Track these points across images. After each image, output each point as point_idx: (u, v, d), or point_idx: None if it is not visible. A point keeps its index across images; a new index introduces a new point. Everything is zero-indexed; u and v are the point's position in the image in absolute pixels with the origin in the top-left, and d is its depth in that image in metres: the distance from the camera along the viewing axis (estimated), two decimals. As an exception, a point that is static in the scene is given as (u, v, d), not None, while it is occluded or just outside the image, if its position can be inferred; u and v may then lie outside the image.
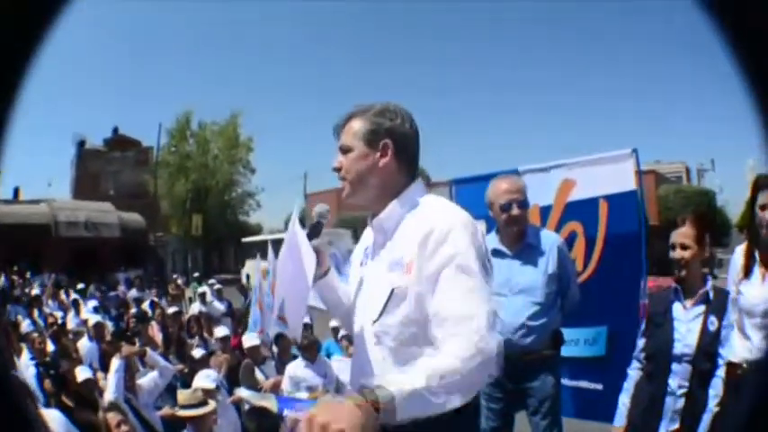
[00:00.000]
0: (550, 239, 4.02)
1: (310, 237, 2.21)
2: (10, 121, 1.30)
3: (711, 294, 3.44)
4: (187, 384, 5.47)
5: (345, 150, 2.06)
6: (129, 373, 5.36)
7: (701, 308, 3.44)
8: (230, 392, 5.72)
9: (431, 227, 1.86)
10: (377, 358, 1.99)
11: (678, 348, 3.43)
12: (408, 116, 2.08)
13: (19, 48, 1.26)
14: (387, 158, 2.01)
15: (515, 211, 3.85)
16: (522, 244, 3.95)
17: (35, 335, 8.11)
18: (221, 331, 7.97)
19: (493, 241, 4.04)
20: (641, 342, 3.74)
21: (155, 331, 9.35)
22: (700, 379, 3.33)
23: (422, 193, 2.05)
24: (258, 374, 6.23)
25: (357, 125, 2.04)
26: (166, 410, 5.57)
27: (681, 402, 3.42)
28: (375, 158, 2.01)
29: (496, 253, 3.98)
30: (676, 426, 3.43)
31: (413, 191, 2.05)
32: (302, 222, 2.32)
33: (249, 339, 6.83)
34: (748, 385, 2.84)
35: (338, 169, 2.08)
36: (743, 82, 1.25)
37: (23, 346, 7.35)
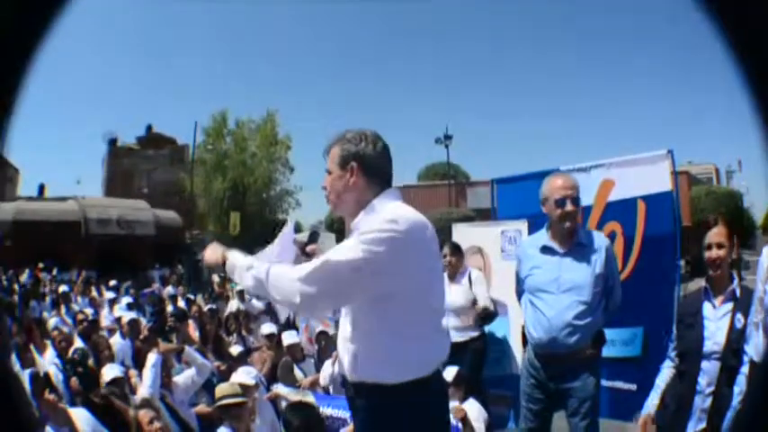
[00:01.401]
0: (601, 240, 4.05)
1: (309, 242, 2.84)
2: (13, 113, 1.32)
3: (738, 292, 3.51)
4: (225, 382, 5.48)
5: (328, 172, 2.51)
6: (165, 370, 5.34)
7: (729, 305, 3.51)
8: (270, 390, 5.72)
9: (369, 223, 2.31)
10: (346, 322, 2.49)
11: (708, 346, 3.50)
12: (375, 139, 2.48)
13: (19, 43, 1.28)
14: (354, 178, 2.43)
15: (569, 206, 3.91)
16: (572, 242, 3.97)
17: (55, 332, 8.10)
18: (268, 328, 7.84)
19: (543, 238, 4.08)
20: (673, 344, 3.81)
21: (192, 329, 9.36)
22: (727, 377, 3.35)
23: (388, 200, 2.43)
24: (297, 372, 6.22)
25: (334, 151, 2.49)
26: (202, 407, 5.62)
27: (709, 401, 3.46)
28: (347, 178, 2.44)
29: (546, 250, 4.02)
30: (703, 425, 3.47)
31: (378, 200, 2.43)
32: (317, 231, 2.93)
33: (288, 337, 6.82)
34: (754, 384, 2.86)
35: (325, 188, 2.55)
36: (743, 83, 1.26)
37: (47, 342, 7.37)
